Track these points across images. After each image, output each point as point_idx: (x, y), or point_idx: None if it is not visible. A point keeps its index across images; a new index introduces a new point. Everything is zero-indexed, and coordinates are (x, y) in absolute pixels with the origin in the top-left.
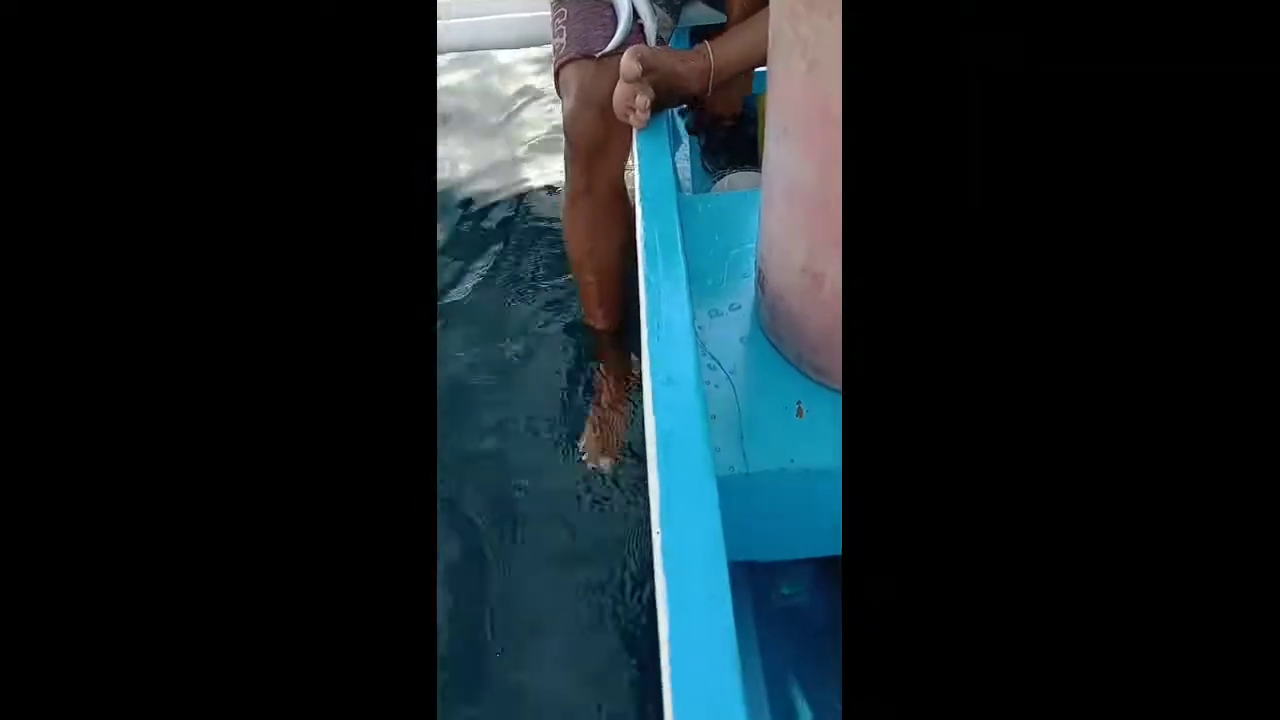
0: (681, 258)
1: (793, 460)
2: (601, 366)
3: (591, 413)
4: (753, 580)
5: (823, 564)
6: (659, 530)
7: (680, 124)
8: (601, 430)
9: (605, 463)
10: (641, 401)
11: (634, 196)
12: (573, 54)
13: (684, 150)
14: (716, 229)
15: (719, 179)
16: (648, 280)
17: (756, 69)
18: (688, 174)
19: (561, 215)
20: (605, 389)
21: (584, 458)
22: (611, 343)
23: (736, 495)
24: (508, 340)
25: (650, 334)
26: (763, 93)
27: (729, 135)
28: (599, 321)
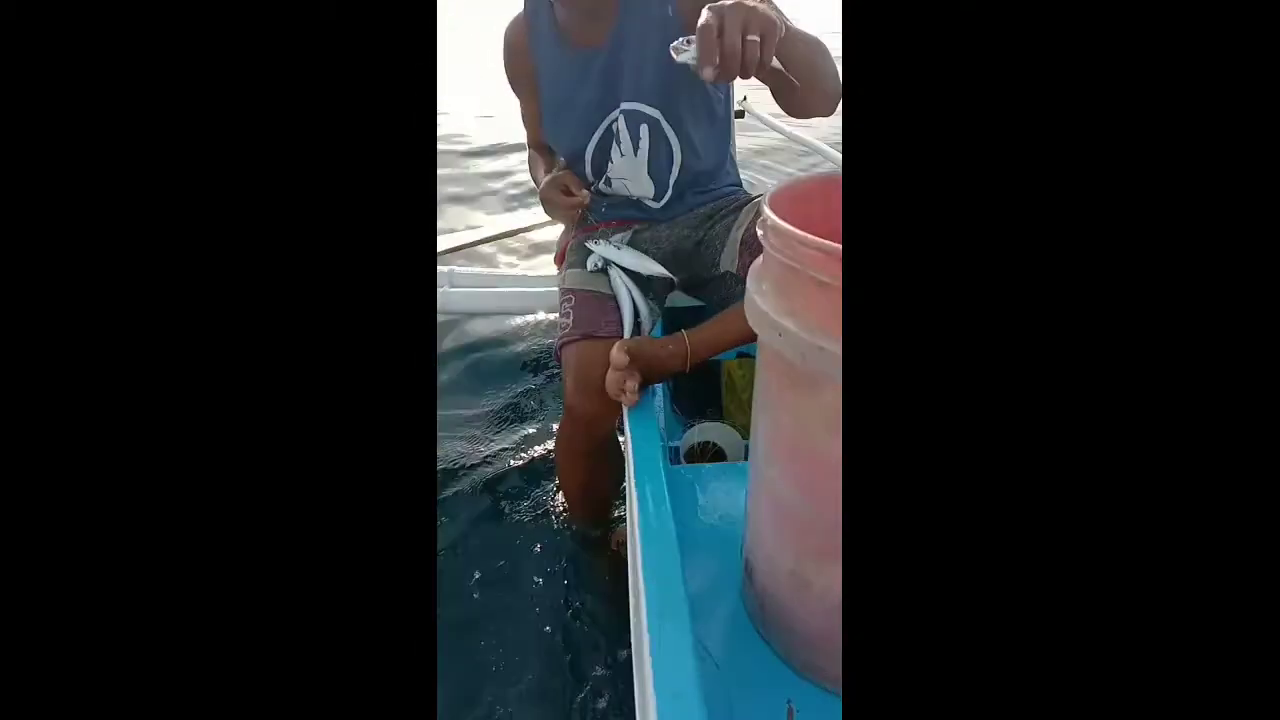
0: (677, 554)
1: None
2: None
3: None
4: None
5: None
6: None
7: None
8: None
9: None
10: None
11: (627, 460)
12: (578, 334)
13: (658, 400)
14: (701, 502)
15: (689, 427)
16: (645, 575)
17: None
18: (662, 422)
19: (558, 470)
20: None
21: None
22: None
23: None
24: (489, 612)
25: (653, 645)
26: (730, 359)
27: (696, 385)
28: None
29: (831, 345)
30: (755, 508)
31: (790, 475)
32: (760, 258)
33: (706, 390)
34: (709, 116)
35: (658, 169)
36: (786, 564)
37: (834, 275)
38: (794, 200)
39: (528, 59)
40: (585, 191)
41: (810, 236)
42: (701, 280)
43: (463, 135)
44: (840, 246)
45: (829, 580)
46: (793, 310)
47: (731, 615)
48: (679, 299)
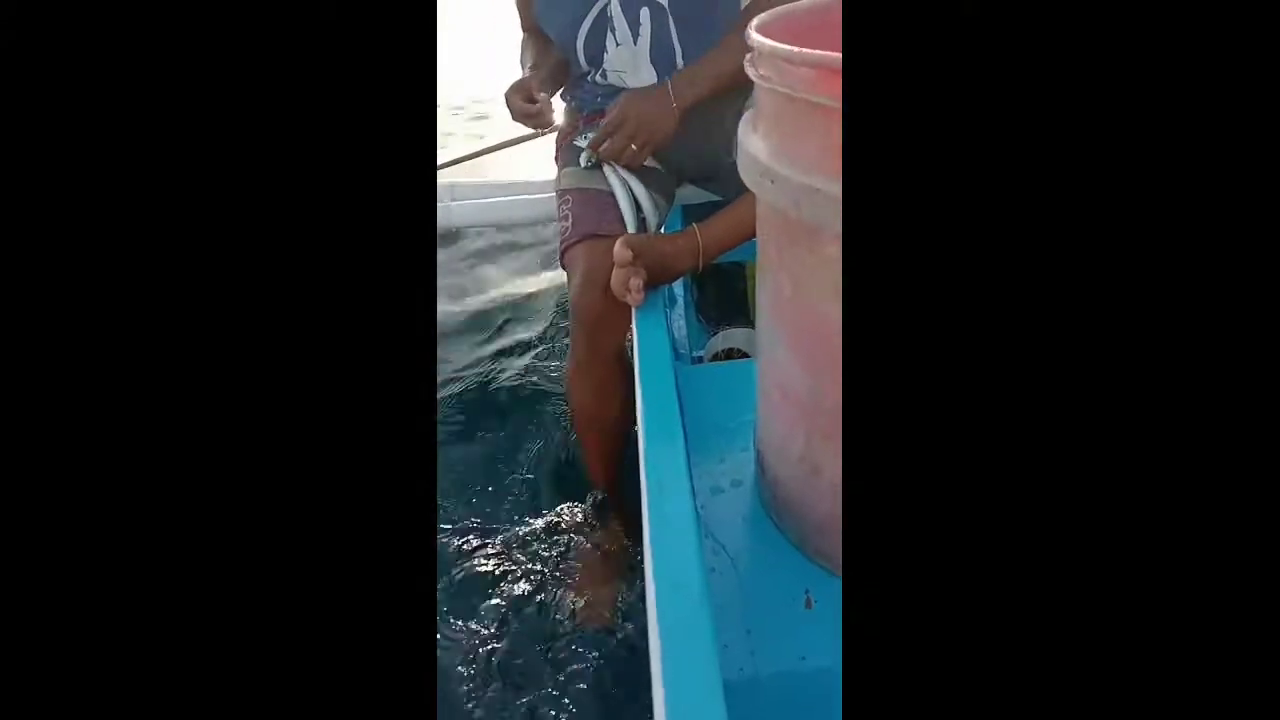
0: (682, 443)
1: (804, 658)
2: (597, 528)
3: (579, 576)
4: None
5: None
6: None
7: (678, 290)
8: (593, 594)
9: (595, 626)
10: (634, 564)
11: (635, 362)
12: (578, 236)
13: (679, 309)
14: (715, 400)
15: (714, 333)
16: (648, 467)
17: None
18: (684, 332)
19: (565, 382)
20: (600, 551)
21: (576, 620)
22: (611, 504)
23: (747, 700)
24: (506, 500)
25: (652, 531)
26: (751, 260)
27: (720, 292)
28: (600, 480)
29: (829, 186)
30: (763, 392)
31: (794, 350)
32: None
33: (731, 297)
34: None
35: (662, 57)
36: (796, 449)
37: (834, 95)
38: (786, 32)
39: None
40: (544, 95)
41: (803, 50)
42: (714, 170)
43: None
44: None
45: (838, 466)
46: (785, 150)
47: (747, 508)
48: (692, 194)
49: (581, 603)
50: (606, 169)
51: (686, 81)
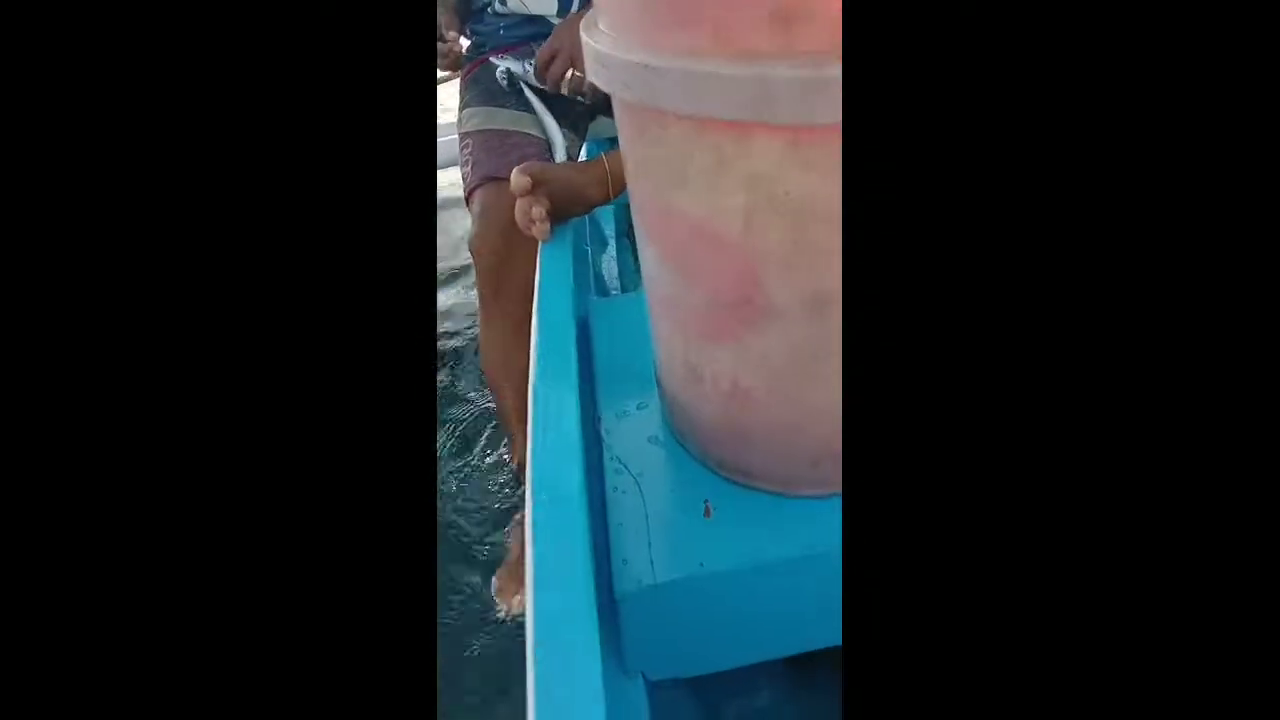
0: (574, 365)
1: (702, 564)
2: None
3: (509, 543)
4: (700, 694)
5: (768, 669)
6: (532, 668)
7: (605, 230)
8: (517, 567)
9: (517, 602)
10: None
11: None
12: (478, 179)
13: (611, 250)
14: (623, 330)
15: None
16: (535, 391)
17: None
18: (616, 273)
19: (479, 335)
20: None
21: (496, 599)
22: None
23: (648, 609)
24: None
25: (534, 446)
26: None
27: None
28: (519, 436)
29: (657, 61)
30: (651, 310)
31: (659, 251)
32: None
33: None
34: None
35: None
36: (679, 355)
37: None
38: None
39: None
40: (455, 34)
41: None
42: None
43: None
44: None
45: (717, 366)
46: (615, 32)
47: (654, 428)
48: (606, 128)
49: (500, 580)
50: (530, 95)
51: None
